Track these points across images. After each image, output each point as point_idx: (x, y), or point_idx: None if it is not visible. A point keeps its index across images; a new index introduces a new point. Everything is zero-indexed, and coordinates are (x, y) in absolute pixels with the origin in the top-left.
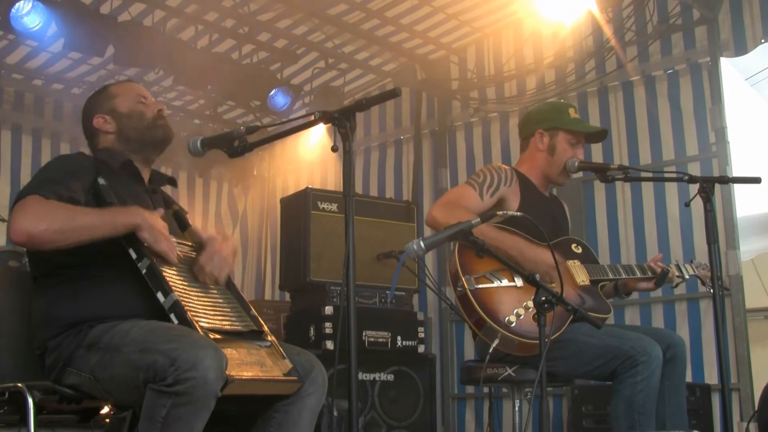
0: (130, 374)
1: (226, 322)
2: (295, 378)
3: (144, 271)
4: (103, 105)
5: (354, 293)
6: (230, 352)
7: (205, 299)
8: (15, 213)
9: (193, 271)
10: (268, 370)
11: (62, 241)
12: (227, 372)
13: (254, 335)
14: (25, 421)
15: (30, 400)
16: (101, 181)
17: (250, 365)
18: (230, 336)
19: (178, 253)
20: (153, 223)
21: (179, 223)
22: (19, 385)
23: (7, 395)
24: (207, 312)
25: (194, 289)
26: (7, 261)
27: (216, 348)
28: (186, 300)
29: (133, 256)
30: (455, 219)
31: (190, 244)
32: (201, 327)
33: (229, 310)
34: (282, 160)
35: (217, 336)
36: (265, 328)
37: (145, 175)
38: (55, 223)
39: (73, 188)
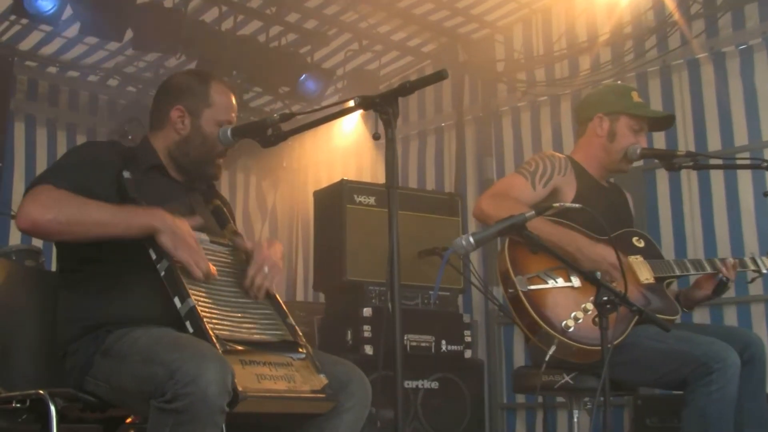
0: (135, 387)
1: (255, 332)
2: (323, 396)
3: (162, 273)
4: (197, 101)
5: (398, 294)
6: (254, 365)
7: (233, 306)
8: (25, 200)
9: (243, 287)
10: (296, 386)
11: (69, 233)
12: (243, 386)
13: (286, 346)
14: (46, 431)
15: (53, 409)
16: (126, 174)
17: (275, 380)
18: (256, 347)
19: (210, 259)
20: (175, 229)
21: (218, 219)
22: (41, 392)
23: (28, 403)
24: (232, 320)
25: (221, 294)
26: (23, 260)
27: (221, 360)
28: (208, 306)
29: (153, 256)
30: (506, 211)
31: (226, 242)
32: (219, 337)
33: (260, 317)
34: (313, 151)
35: (238, 347)
36: (302, 339)
37: (181, 176)
38: (62, 215)
39: (91, 178)
